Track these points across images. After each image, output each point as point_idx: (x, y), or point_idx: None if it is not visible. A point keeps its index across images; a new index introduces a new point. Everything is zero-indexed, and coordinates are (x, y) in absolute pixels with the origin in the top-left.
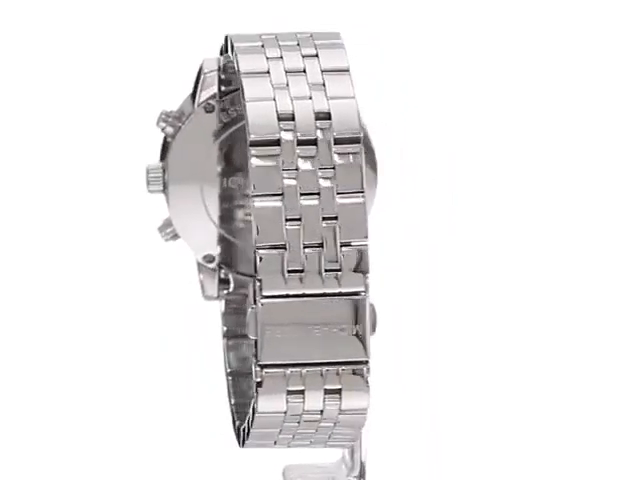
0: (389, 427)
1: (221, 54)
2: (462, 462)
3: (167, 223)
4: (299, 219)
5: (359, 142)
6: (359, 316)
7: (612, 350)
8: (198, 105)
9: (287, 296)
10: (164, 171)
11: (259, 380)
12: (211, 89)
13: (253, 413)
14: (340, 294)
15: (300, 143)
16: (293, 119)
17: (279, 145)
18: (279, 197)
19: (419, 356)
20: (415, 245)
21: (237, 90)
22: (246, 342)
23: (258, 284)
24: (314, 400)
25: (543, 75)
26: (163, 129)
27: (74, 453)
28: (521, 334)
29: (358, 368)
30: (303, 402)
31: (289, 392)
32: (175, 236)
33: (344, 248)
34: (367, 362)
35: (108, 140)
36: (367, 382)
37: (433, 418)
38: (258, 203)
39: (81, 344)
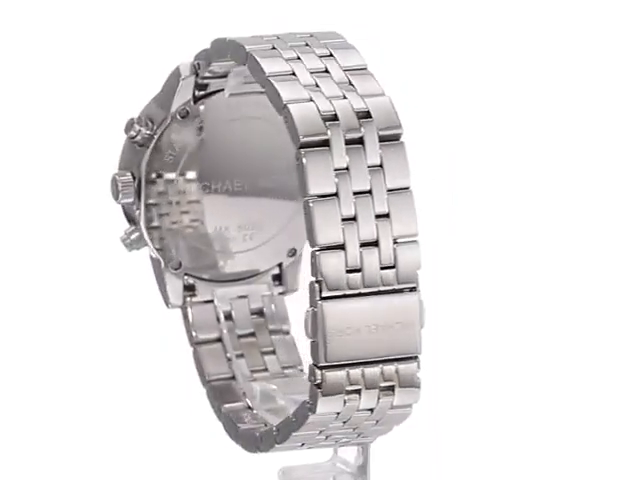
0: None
1: (197, 58)
2: (462, 462)
3: (131, 232)
4: (354, 218)
5: (399, 139)
6: (411, 311)
7: (612, 349)
8: (174, 111)
9: (345, 296)
10: (134, 178)
11: (319, 382)
12: (186, 94)
13: (300, 416)
14: (394, 291)
15: (347, 142)
16: (336, 119)
17: (328, 146)
18: (334, 197)
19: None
20: None
21: (210, 95)
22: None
23: (317, 286)
24: (369, 398)
25: (542, 75)
26: (134, 137)
27: (71, 456)
28: (521, 334)
29: (410, 363)
30: (359, 401)
31: (347, 392)
32: (139, 245)
33: (396, 245)
34: (417, 357)
35: (61, 149)
36: (418, 377)
37: (433, 418)
38: (314, 205)
39: (51, 353)
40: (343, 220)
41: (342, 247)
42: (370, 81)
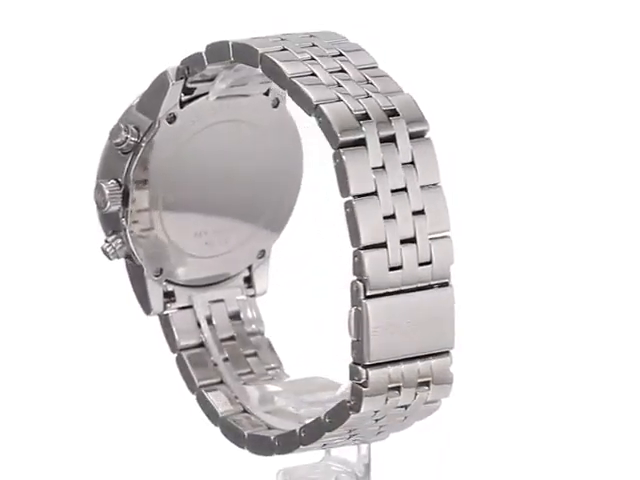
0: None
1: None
2: (465, 463)
3: (113, 240)
4: (393, 216)
5: (426, 135)
6: (447, 305)
7: (613, 349)
8: (161, 116)
9: (386, 294)
10: (120, 185)
11: (363, 381)
12: (173, 99)
13: (338, 416)
14: (429, 287)
15: (380, 140)
16: (368, 117)
17: (364, 144)
18: (374, 196)
19: None
20: None
21: (196, 99)
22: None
23: (360, 285)
24: (407, 395)
25: (542, 75)
26: (120, 144)
27: (70, 467)
28: (522, 334)
29: (444, 357)
30: (399, 398)
31: (389, 389)
32: (121, 254)
33: (431, 241)
34: (449, 352)
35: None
36: (450, 372)
37: (436, 417)
38: (357, 204)
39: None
40: (384, 218)
41: (384, 245)
42: (387, 79)
